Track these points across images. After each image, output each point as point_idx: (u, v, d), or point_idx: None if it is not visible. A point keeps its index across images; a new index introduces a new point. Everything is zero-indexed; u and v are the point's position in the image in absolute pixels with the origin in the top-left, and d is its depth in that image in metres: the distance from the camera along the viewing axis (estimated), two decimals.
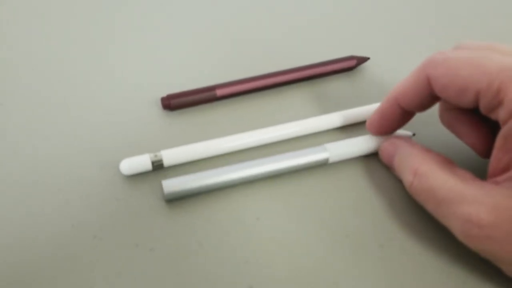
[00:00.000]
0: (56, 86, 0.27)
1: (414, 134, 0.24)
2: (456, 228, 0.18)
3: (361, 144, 0.23)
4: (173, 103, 0.25)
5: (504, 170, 0.18)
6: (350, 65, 0.28)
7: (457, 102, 0.19)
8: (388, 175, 0.23)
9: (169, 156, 0.22)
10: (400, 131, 0.24)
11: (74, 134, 0.24)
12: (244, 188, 0.22)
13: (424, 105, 0.21)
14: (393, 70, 0.29)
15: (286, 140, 0.24)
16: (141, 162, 0.22)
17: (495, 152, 0.18)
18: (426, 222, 0.21)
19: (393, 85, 0.28)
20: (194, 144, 0.23)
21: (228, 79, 0.27)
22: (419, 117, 0.26)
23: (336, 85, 0.28)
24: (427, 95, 0.20)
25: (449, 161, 0.20)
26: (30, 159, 0.23)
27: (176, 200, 0.21)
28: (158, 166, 0.22)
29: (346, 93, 0.27)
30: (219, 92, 0.26)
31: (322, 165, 0.23)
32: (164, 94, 0.26)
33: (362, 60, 0.28)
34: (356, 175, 0.23)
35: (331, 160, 0.23)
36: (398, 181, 0.23)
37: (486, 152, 0.21)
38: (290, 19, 0.33)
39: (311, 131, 0.24)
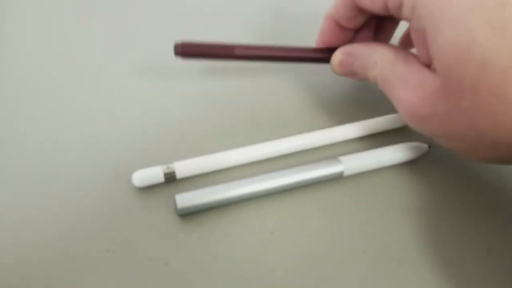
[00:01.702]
0: (67, 96, 0.27)
1: (430, 147, 0.24)
2: (399, 110, 0.21)
3: (377, 156, 0.23)
4: (186, 50, 0.24)
5: (427, 60, 0.20)
6: None
7: (373, 9, 0.22)
8: (405, 189, 0.23)
9: (182, 168, 0.22)
10: (416, 144, 0.24)
11: (85, 145, 0.24)
12: (258, 202, 0.22)
13: (355, 20, 0.24)
14: None
15: (300, 152, 0.24)
16: (154, 174, 0.22)
17: (416, 47, 0.21)
18: (445, 237, 0.21)
19: None
20: (207, 156, 0.23)
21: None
22: None
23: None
24: (354, 9, 0.23)
25: (403, 50, 0.22)
26: (41, 171, 0.23)
27: (190, 213, 0.21)
28: (170, 178, 0.22)
29: (361, 102, 0.27)
30: (238, 52, 0.25)
31: (336, 179, 0.23)
32: None
33: None
34: (372, 189, 0.23)
35: (346, 174, 0.22)
36: (416, 195, 0.22)
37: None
38: (307, 25, 0.32)
39: (325, 142, 0.24)
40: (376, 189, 0.23)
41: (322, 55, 0.26)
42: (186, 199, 0.20)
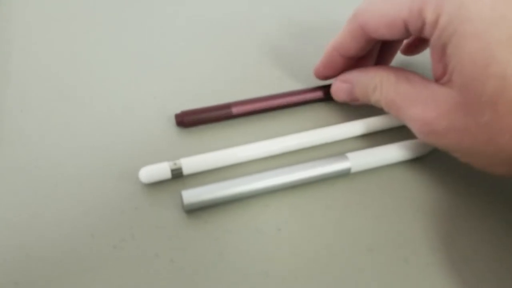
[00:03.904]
0: (73, 98, 0.27)
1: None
2: (412, 128, 0.21)
3: (384, 153, 0.23)
4: (187, 120, 0.24)
5: (442, 75, 0.20)
6: None
7: (391, 37, 0.22)
8: (412, 186, 0.22)
9: (189, 165, 0.22)
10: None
11: (93, 142, 0.24)
12: (264, 198, 0.22)
13: (363, 50, 0.24)
14: None
15: (306, 148, 0.24)
16: (160, 170, 0.22)
17: (432, 63, 0.21)
18: (453, 235, 0.21)
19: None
20: (214, 153, 0.23)
21: (245, 97, 0.26)
22: None
23: (358, 107, 0.27)
24: (363, 41, 0.23)
25: (402, 70, 0.22)
26: (48, 169, 0.23)
27: (196, 210, 0.21)
28: (177, 175, 0.22)
29: (368, 113, 0.26)
30: (235, 110, 0.25)
31: (344, 175, 0.23)
32: (179, 110, 0.25)
33: None
34: (379, 186, 0.22)
35: (353, 170, 0.22)
36: (424, 193, 0.22)
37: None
38: (312, 36, 0.32)
39: (332, 139, 0.24)
40: (383, 186, 0.22)
41: (320, 94, 0.26)
42: (193, 195, 0.20)
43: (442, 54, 0.19)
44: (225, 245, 0.20)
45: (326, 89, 0.26)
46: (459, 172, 0.23)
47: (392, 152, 0.23)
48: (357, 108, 0.26)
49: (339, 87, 0.25)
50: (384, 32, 0.22)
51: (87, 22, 0.32)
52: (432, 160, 0.24)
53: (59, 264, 0.19)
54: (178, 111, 0.25)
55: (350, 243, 0.20)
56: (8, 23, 0.32)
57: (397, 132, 0.25)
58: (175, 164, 0.22)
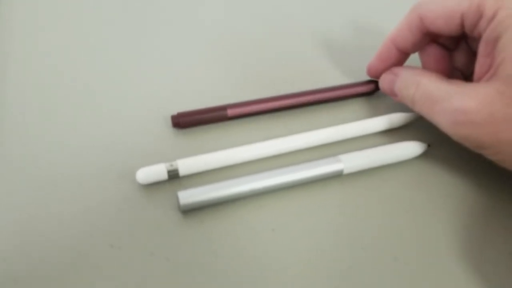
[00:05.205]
0: (72, 98, 0.27)
1: (429, 146, 0.24)
2: (446, 120, 0.21)
3: (377, 155, 0.23)
4: (183, 122, 0.25)
5: (487, 72, 0.21)
6: (369, 90, 0.27)
7: (447, 30, 0.23)
8: (404, 187, 0.23)
9: (185, 166, 0.23)
10: (415, 142, 0.24)
11: (91, 144, 0.24)
12: (259, 199, 0.22)
13: (416, 44, 0.25)
14: None
15: (301, 150, 0.24)
16: (157, 171, 0.22)
17: (478, 59, 0.21)
18: (442, 235, 0.21)
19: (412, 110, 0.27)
20: (210, 154, 0.23)
21: (241, 99, 0.26)
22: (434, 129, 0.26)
23: (354, 109, 0.27)
24: (419, 33, 0.24)
25: (444, 76, 0.23)
26: (47, 169, 0.23)
27: (192, 210, 0.22)
28: (173, 176, 0.22)
29: (364, 118, 0.26)
30: (230, 112, 0.25)
31: (336, 176, 0.23)
32: (175, 112, 0.26)
33: None
34: (371, 187, 0.23)
35: (345, 172, 0.23)
36: (415, 193, 0.23)
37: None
38: (309, 40, 0.32)
39: (325, 141, 0.24)
40: (375, 187, 0.23)
41: (315, 97, 0.26)
42: (188, 195, 0.21)
43: (492, 47, 0.20)
44: (220, 245, 0.21)
45: (321, 92, 0.27)
46: (449, 174, 0.24)
47: (384, 154, 0.23)
48: (352, 111, 0.27)
49: (386, 77, 0.26)
50: (440, 24, 0.22)
51: (87, 23, 0.32)
52: (422, 163, 0.24)
53: (57, 263, 0.20)
54: (175, 112, 0.25)
55: (343, 243, 0.21)
56: (8, 23, 0.32)
57: (390, 134, 0.25)
58: (171, 165, 0.22)
